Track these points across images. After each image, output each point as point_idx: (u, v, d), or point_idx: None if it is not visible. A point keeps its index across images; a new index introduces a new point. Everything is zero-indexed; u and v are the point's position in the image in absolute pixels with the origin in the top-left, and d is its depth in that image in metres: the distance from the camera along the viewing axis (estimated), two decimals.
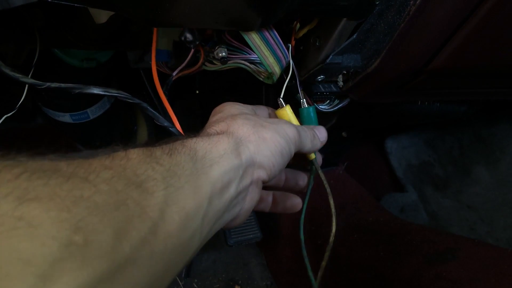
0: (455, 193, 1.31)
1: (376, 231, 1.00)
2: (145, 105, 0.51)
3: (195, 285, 1.05)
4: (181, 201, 0.34)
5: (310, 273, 0.53)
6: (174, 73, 0.59)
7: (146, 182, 0.32)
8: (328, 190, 0.56)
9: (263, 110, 0.58)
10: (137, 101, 0.50)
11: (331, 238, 0.55)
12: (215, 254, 1.13)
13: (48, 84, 0.47)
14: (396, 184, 1.42)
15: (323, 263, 0.54)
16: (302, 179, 0.61)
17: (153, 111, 0.51)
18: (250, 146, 0.45)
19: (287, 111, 0.56)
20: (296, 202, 0.60)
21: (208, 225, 0.38)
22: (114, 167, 0.31)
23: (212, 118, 0.51)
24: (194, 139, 0.41)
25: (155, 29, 0.56)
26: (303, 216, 0.56)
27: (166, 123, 0.52)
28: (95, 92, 0.48)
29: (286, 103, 0.57)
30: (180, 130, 0.52)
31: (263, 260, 1.14)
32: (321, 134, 0.57)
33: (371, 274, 0.89)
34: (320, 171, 0.57)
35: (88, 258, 0.25)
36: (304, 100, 0.61)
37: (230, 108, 0.52)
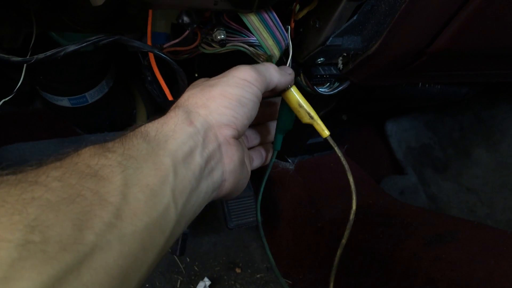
0: (455, 176, 1.31)
1: (376, 214, 1.00)
2: (125, 38, 0.51)
3: (196, 268, 1.05)
4: (142, 179, 0.34)
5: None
6: (165, 45, 0.59)
7: (101, 170, 0.32)
8: (347, 166, 0.56)
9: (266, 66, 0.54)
10: (116, 37, 0.52)
11: (351, 216, 0.55)
12: (215, 237, 1.13)
13: (35, 57, 0.49)
14: (396, 166, 1.42)
15: (343, 241, 0.54)
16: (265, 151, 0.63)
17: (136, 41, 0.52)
18: (200, 111, 0.44)
19: (293, 92, 0.56)
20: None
21: (182, 197, 0.38)
22: (65, 165, 0.32)
23: None
24: (143, 124, 0.41)
25: (150, 11, 0.56)
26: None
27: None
28: (73, 48, 0.49)
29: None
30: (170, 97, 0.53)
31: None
32: (285, 67, 0.55)
33: (371, 256, 0.89)
34: (336, 148, 0.56)
35: (50, 252, 0.25)
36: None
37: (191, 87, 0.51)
